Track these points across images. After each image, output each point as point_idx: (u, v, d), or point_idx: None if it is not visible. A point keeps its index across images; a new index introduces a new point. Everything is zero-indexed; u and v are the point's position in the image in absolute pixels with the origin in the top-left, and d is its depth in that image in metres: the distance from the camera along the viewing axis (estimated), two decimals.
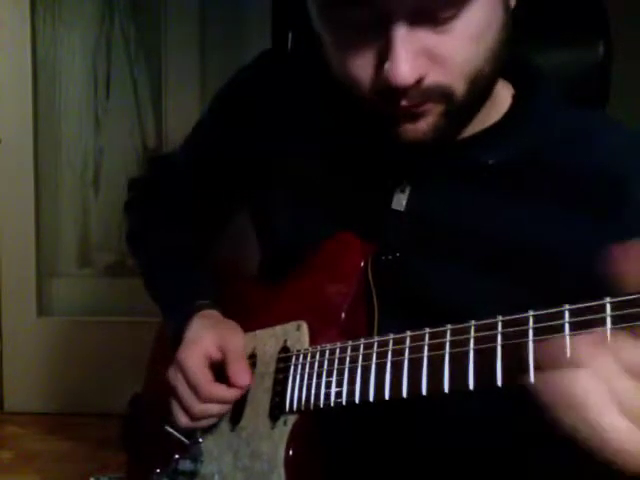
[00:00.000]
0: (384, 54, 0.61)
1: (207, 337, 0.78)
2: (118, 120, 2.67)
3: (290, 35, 1.24)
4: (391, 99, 0.63)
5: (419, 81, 0.61)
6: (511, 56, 0.69)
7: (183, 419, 0.79)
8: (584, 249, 0.66)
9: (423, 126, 0.65)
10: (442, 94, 0.64)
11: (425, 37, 0.61)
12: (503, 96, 0.74)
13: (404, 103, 0.63)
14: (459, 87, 0.64)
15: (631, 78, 1.93)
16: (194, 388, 0.77)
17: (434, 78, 0.62)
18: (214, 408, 0.77)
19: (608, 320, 0.48)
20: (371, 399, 0.63)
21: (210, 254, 0.97)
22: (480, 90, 0.66)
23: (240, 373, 0.76)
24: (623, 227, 0.67)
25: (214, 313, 0.83)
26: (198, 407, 0.77)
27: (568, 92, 0.76)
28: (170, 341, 0.83)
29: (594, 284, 0.64)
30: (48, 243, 2.71)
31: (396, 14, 0.59)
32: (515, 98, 0.74)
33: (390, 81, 0.61)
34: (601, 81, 1.06)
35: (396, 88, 0.61)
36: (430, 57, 0.61)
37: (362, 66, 0.64)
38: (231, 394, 0.76)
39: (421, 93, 0.63)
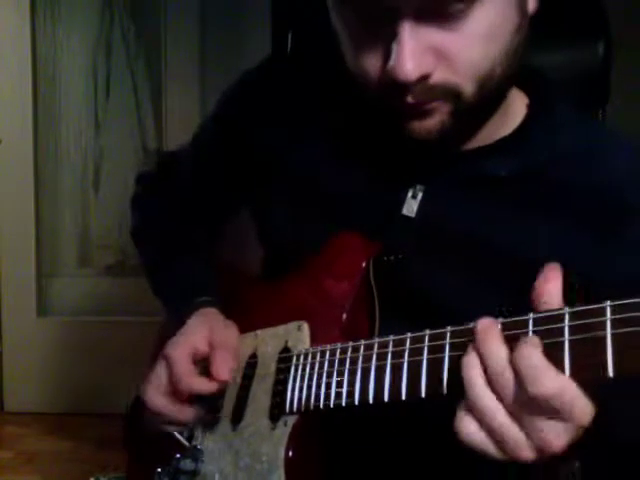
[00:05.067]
0: (391, 49, 0.61)
1: (198, 331, 0.79)
2: (118, 120, 2.67)
3: (290, 35, 1.24)
4: (397, 94, 0.63)
5: (425, 78, 0.61)
6: (525, 65, 0.68)
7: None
8: (586, 265, 0.67)
9: (430, 124, 0.65)
10: (449, 93, 0.63)
11: (433, 34, 0.61)
12: (518, 107, 0.74)
13: (410, 99, 0.63)
14: (467, 87, 0.63)
15: (631, 78, 1.93)
16: (175, 379, 0.77)
17: (441, 76, 0.62)
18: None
19: (608, 324, 0.48)
20: (370, 401, 0.63)
21: (214, 250, 0.97)
22: (490, 93, 0.65)
23: (221, 365, 0.76)
24: (625, 246, 0.67)
25: (213, 310, 0.83)
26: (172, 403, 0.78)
27: (568, 92, 0.76)
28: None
29: (597, 300, 0.64)
30: (48, 243, 2.71)
31: (403, 9, 0.59)
32: (529, 110, 0.74)
33: (394, 76, 0.61)
34: (601, 81, 1.06)
35: (401, 83, 0.61)
36: (437, 55, 0.61)
37: (370, 60, 0.64)
38: (209, 387, 0.76)
39: (427, 90, 0.62)
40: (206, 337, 0.78)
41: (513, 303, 0.56)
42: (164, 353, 0.78)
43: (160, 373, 0.79)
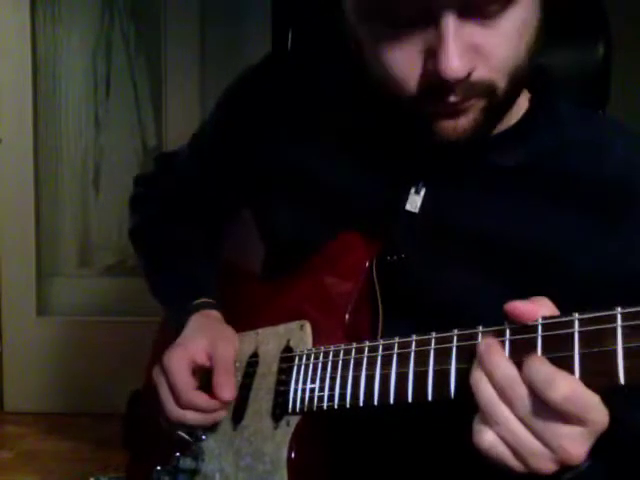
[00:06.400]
0: (433, 49, 0.61)
1: (197, 342, 0.78)
2: (118, 120, 2.67)
3: (290, 34, 1.24)
4: (438, 95, 0.63)
5: (468, 75, 0.61)
6: None
7: (162, 422, 0.79)
8: (593, 256, 0.67)
9: (464, 123, 0.65)
10: (486, 89, 0.64)
11: (472, 32, 0.61)
12: (521, 100, 0.74)
13: (452, 99, 0.63)
14: (501, 83, 0.64)
15: (631, 78, 1.94)
16: (174, 392, 0.76)
17: (480, 73, 0.62)
18: (189, 415, 0.77)
19: (619, 331, 0.48)
20: (375, 403, 0.63)
21: (213, 251, 0.97)
22: (517, 86, 0.66)
23: (225, 386, 0.76)
24: (627, 237, 0.68)
25: (213, 313, 0.83)
26: (176, 412, 0.77)
27: (568, 92, 0.77)
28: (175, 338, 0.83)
29: (603, 291, 0.64)
30: (48, 243, 2.71)
31: (447, 8, 0.59)
32: (532, 102, 0.75)
33: (441, 75, 0.60)
34: (601, 81, 1.06)
35: (447, 82, 0.61)
36: (477, 52, 0.62)
37: (408, 63, 0.63)
38: (210, 405, 0.76)
39: (468, 88, 0.63)
40: (206, 349, 0.78)
41: (521, 297, 0.56)
42: (163, 364, 0.78)
43: (162, 387, 0.78)
